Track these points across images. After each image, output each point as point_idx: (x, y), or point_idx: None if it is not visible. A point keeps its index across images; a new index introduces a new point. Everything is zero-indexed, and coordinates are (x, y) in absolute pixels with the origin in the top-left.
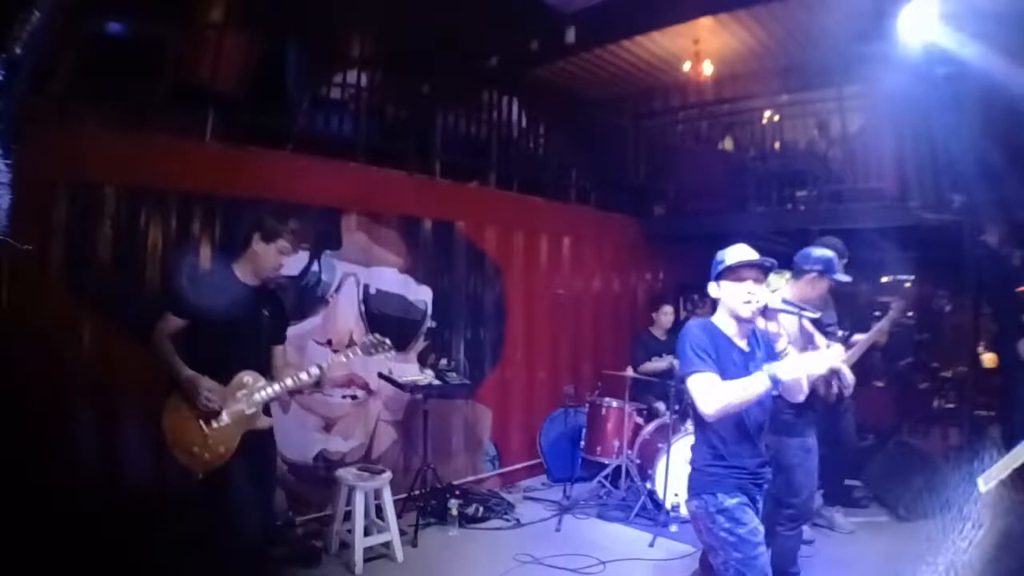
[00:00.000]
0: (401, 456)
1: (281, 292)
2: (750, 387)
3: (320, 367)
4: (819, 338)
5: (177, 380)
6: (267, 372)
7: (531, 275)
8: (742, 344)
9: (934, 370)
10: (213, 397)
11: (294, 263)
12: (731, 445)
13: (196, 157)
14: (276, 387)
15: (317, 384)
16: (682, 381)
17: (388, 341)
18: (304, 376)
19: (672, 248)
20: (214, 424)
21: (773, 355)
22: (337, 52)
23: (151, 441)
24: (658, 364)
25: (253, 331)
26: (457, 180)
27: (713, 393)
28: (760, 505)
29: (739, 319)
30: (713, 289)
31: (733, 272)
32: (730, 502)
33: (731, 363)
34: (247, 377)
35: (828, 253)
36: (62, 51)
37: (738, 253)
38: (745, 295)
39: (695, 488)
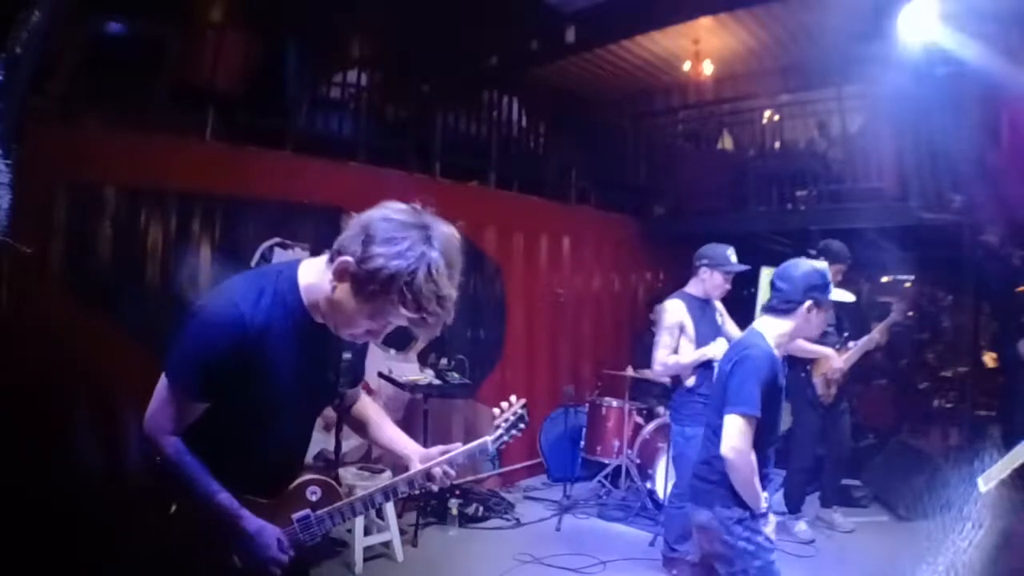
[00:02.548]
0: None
1: None
2: None
3: (431, 472)
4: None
5: (201, 502)
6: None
7: (531, 275)
8: None
9: (934, 370)
10: (286, 548)
11: None
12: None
13: (196, 157)
14: (358, 507)
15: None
16: None
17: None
18: (402, 487)
19: (672, 248)
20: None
21: None
22: (337, 52)
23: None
24: None
25: (323, 401)
26: (457, 180)
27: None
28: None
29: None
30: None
31: None
32: (747, 512)
33: None
34: (314, 489)
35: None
36: (62, 51)
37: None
38: None
39: (708, 500)
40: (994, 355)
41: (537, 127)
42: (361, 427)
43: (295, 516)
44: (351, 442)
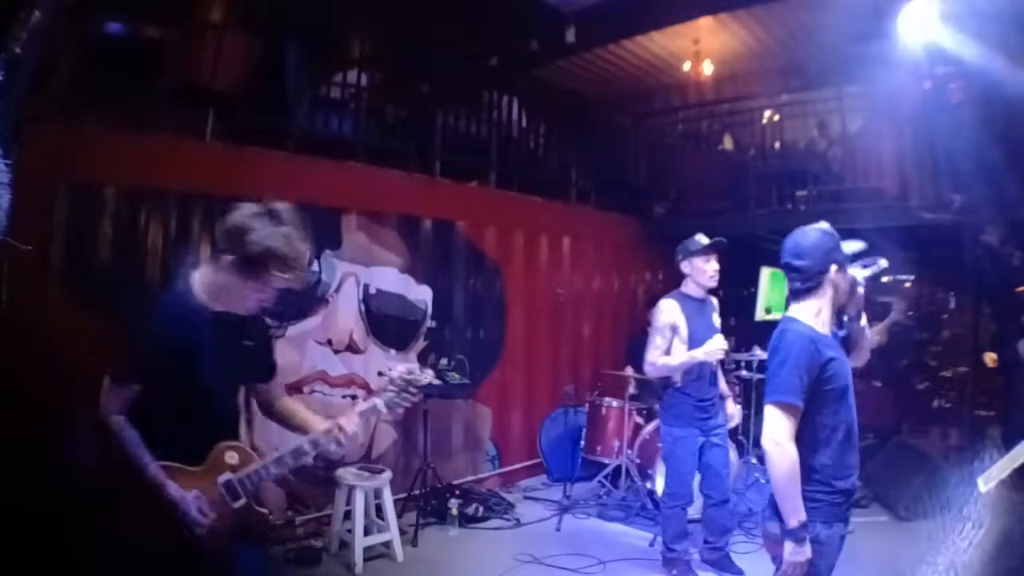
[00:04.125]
0: (401, 456)
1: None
2: None
3: (335, 432)
4: None
5: (140, 476)
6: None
7: (531, 275)
8: None
9: (934, 370)
10: (205, 511)
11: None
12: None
13: (196, 157)
14: (271, 468)
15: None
16: None
17: (423, 378)
18: (307, 447)
19: (672, 248)
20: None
21: None
22: (337, 52)
23: None
24: None
25: (233, 379)
26: (457, 180)
27: None
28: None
29: None
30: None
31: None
32: (827, 533)
33: None
34: (231, 455)
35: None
36: (62, 51)
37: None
38: None
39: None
40: (994, 355)
41: (537, 127)
42: (287, 419)
43: (220, 480)
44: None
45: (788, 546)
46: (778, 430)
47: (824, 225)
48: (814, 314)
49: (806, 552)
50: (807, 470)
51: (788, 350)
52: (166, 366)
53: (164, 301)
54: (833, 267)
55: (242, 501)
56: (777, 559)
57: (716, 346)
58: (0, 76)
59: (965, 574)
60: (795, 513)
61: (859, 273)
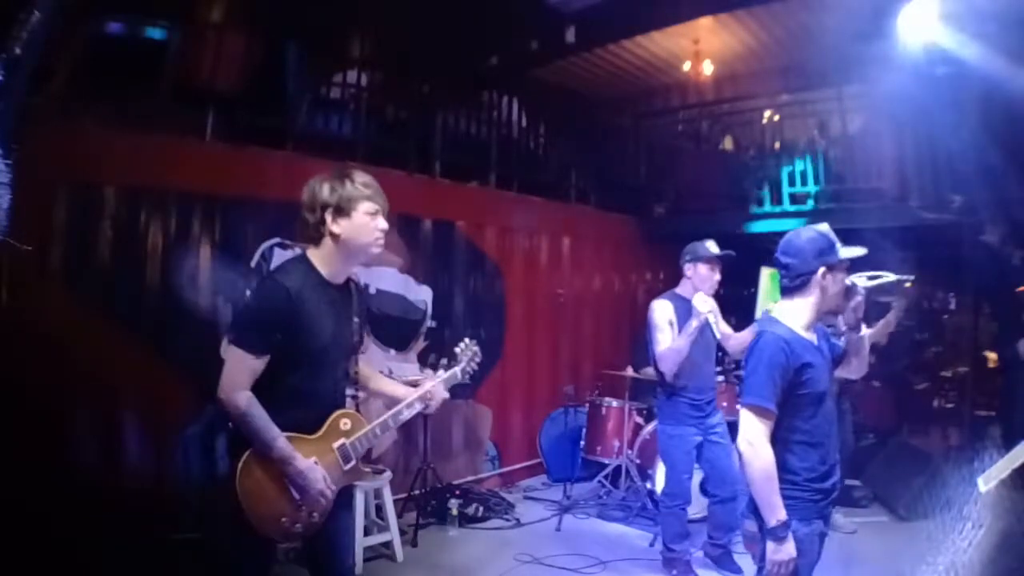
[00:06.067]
0: (401, 456)
1: (363, 285)
2: None
3: (424, 396)
4: None
5: (263, 448)
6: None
7: (531, 275)
8: None
9: (934, 370)
10: (330, 486)
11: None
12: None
13: (196, 157)
14: (377, 430)
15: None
16: None
17: (478, 349)
18: (404, 411)
19: (672, 248)
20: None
21: None
22: (337, 52)
23: (153, 443)
24: None
25: (347, 351)
26: (457, 180)
27: None
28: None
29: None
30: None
31: None
32: (805, 531)
33: None
34: (345, 421)
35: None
36: (62, 51)
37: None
38: None
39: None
40: (994, 355)
41: (537, 127)
42: (375, 389)
43: (334, 445)
44: None
45: (770, 546)
46: (752, 432)
47: (823, 227)
48: (796, 314)
49: (789, 550)
50: (784, 470)
51: (761, 353)
52: (294, 335)
53: (285, 275)
54: (822, 269)
55: (352, 463)
56: (755, 556)
57: (701, 302)
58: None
59: (965, 574)
60: (773, 512)
61: (862, 282)
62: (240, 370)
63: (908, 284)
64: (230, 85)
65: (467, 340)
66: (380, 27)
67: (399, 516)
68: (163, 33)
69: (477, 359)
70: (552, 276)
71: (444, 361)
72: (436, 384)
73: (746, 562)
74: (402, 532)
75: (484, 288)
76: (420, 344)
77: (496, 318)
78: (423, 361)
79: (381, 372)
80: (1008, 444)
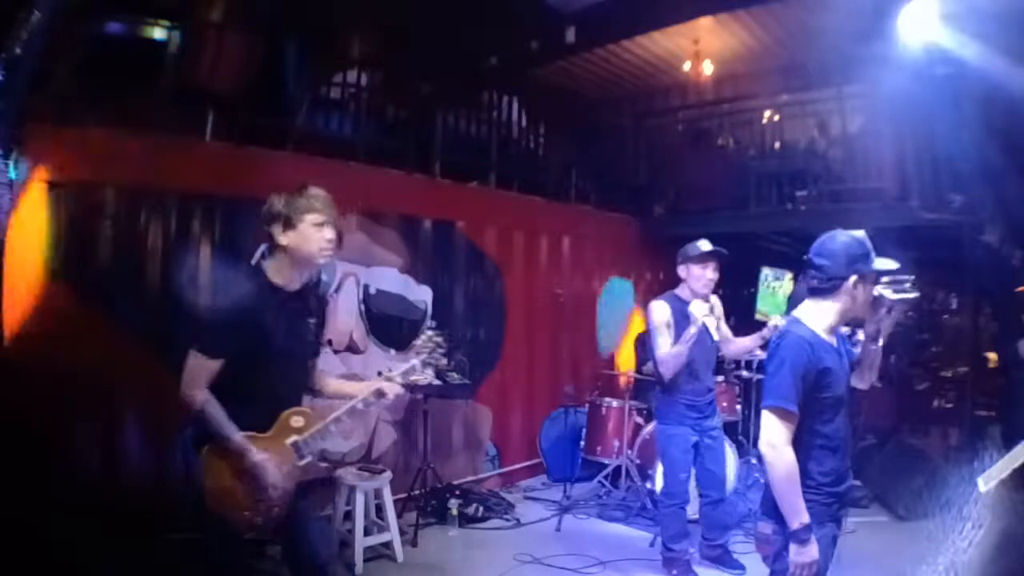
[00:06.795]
0: (401, 456)
1: (317, 289)
2: None
3: (379, 390)
4: None
5: (224, 444)
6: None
7: (531, 275)
8: None
9: (934, 370)
10: (283, 479)
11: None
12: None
13: (196, 157)
14: (330, 427)
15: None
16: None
17: (441, 340)
18: (359, 405)
19: (672, 248)
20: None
21: None
22: (337, 52)
23: (153, 443)
24: None
25: (300, 354)
26: (457, 180)
27: None
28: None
29: None
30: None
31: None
32: (819, 533)
33: None
34: (297, 419)
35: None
36: (62, 51)
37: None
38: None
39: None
40: (994, 355)
41: (537, 127)
42: (334, 393)
43: (287, 442)
44: (351, 442)
45: (793, 548)
46: (774, 435)
47: (860, 233)
48: (820, 317)
49: (812, 553)
50: (801, 474)
51: (785, 354)
52: (247, 341)
53: (243, 280)
54: (854, 277)
55: (308, 459)
56: (768, 559)
57: (697, 309)
58: (0, 76)
59: (965, 574)
60: (796, 515)
61: (889, 294)
62: (197, 371)
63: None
64: (230, 85)
65: (429, 332)
66: (380, 27)
67: (399, 516)
68: (163, 33)
69: (440, 351)
70: (552, 276)
71: (444, 361)
72: (390, 383)
73: (746, 561)
74: (402, 532)
75: (484, 288)
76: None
77: (496, 318)
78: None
79: (348, 375)
80: (1008, 444)
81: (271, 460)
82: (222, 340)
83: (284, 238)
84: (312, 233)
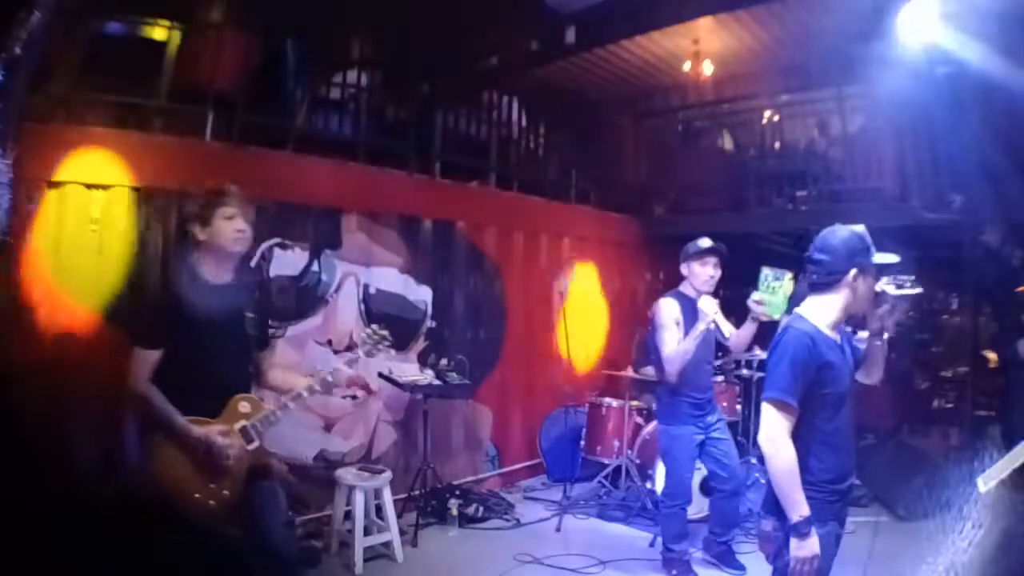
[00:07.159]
0: (401, 456)
1: (255, 284)
2: None
3: (324, 379)
4: None
5: (170, 430)
6: (255, 385)
7: (531, 275)
8: None
9: (934, 370)
10: (231, 452)
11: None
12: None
13: (196, 157)
14: (277, 412)
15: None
16: None
17: (387, 333)
18: (304, 392)
19: (672, 248)
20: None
21: None
22: (337, 52)
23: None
24: None
25: (239, 342)
26: (457, 180)
27: None
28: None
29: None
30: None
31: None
32: (821, 532)
33: None
34: (244, 404)
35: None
36: (62, 51)
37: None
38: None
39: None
40: (994, 355)
41: (537, 127)
42: (278, 387)
43: (236, 427)
44: (351, 442)
45: (793, 542)
46: (774, 428)
47: (860, 228)
48: (823, 312)
49: (812, 547)
50: (802, 471)
51: (786, 348)
52: (183, 332)
53: (178, 276)
54: (854, 271)
55: (256, 444)
56: (770, 557)
57: (707, 305)
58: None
59: (965, 574)
60: (796, 508)
61: (891, 290)
62: (139, 364)
63: (907, 283)
64: (230, 85)
65: (374, 327)
66: (380, 27)
67: (399, 516)
68: (163, 33)
69: (384, 344)
70: (552, 276)
71: (444, 361)
72: (333, 371)
73: (747, 560)
74: (402, 532)
75: (484, 288)
76: (420, 344)
77: (496, 318)
78: (423, 361)
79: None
80: (1008, 444)
81: (213, 432)
82: (154, 331)
83: (202, 234)
84: (223, 226)
